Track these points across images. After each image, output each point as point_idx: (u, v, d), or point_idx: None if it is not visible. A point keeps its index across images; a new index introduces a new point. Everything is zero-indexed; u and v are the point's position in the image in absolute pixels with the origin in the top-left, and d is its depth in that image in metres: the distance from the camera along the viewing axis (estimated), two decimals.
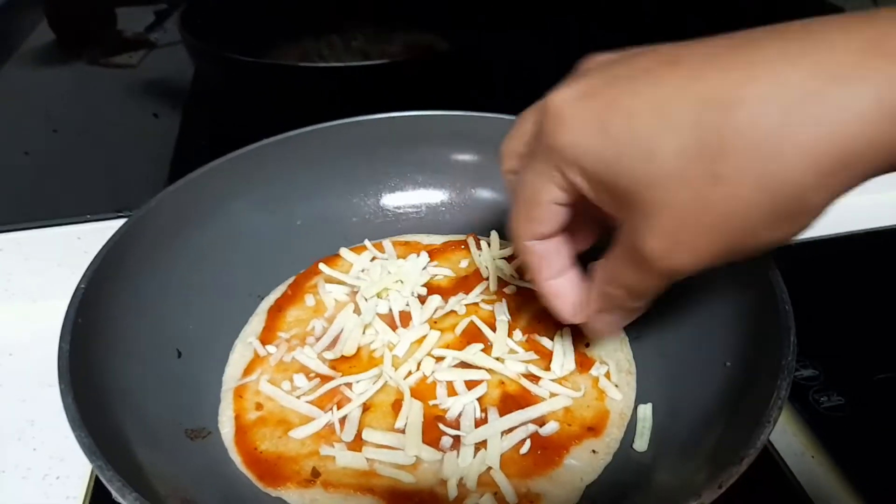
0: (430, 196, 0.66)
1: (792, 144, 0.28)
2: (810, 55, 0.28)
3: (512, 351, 0.51)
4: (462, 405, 0.47)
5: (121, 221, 0.70)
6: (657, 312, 0.53)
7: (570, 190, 0.36)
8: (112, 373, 0.44)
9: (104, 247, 0.48)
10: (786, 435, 0.58)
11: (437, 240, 0.64)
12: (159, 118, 0.76)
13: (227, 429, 0.48)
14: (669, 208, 0.31)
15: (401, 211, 0.66)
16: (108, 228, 0.71)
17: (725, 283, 0.49)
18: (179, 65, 0.95)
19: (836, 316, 0.68)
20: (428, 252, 0.61)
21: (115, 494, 0.34)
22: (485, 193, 0.65)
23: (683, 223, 0.32)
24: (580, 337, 0.53)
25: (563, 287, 0.43)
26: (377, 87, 0.74)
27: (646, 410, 0.48)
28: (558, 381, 0.49)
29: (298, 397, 0.48)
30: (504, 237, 0.62)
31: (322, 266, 0.58)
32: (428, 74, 0.77)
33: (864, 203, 0.84)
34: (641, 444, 0.46)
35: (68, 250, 0.73)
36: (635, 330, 0.54)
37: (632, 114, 0.32)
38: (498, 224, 0.63)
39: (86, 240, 0.73)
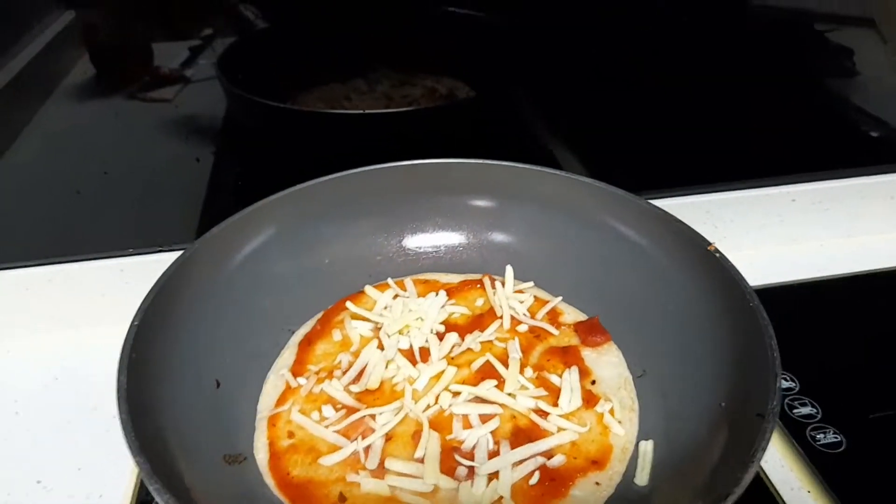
0: (448, 238, 0.70)
1: None
2: None
3: (523, 387, 0.55)
4: (476, 437, 0.51)
5: (159, 256, 0.75)
6: (661, 354, 0.57)
7: None
8: (161, 402, 0.49)
9: (154, 286, 0.53)
10: (783, 470, 0.61)
11: (454, 278, 0.68)
12: (200, 162, 0.81)
13: (261, 454, 0.52)
14: None
15: (421, 251, 0.70)
16: (146, 262, 0.77)
17: (723, 329, 0.53)
18: (214, 100, 1.01)
19: (836, 356, 0.71)
20: (446, 290, 0.65)
21: None
22: (499, 237, 0.69)
23: None
24: (586, 375, 0.57)
25: None
26: (400, 132, 0.79)
27: (647, 446, 0.51)
28: (565, 416, 0.53)
29: (327, 427, 0.53)
30: (517, 277, 0.66)
31: (349, 304, 0.63)
32: (449, 120, 0.82)
33: (863, 244, 0.88)
34: (642, 478, 0.50)
35: (111, 282, 0.78)
36: (639, 368, 0.58)
37: None
38: (512, 265, 0.67)
39: (127, 272, 0.78)
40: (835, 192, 0.88)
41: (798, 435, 0.62)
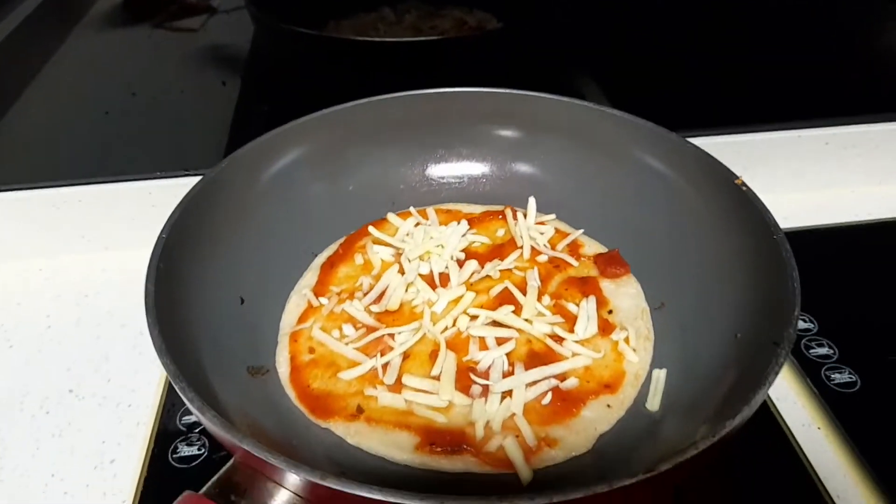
0: (472, 168, 0.70)
1: None
2: None
3: (540, 314, 0.56)
4: (492, 358, 0.52)
5: (186, 180, 0.76)
6: (680, 286, 0.57)
7: None
8: (187, 313, 0.50)
9: (182, 202, 0.54)
10: (795, 407, 0.61)
11: (476, 209, 0.68)
12: (226, 86, 0.81)
13: (283, 368, 0.54)
14: None
15: (444, 181, 0.70)
16: (175, 185, 0.78)
17: (744, 263, 0.52)
18: (239, 30, 1.00)
19: (855, 299, 0.71)
20: (467, 220, 0.66)
21: (195, 413, 0.40)
22: (523, 168, 0.69)
23: None
24: (604, 305, 0.58)
25: None
26: (428, 62, 0.78)
27: (660, 374, 0.52)
28: (581, 342, 0.54)
29: (347, 344, 0.54)
30: (540, 210, 0.66)
31: (371, 228, 0.64)
32: (477, 51, 0.80)
33: (886, 192, 0.87)
34: (653, 403, 0.50)
35: (140, 204, 0.79)
36: (658, 300, 0.59)
37: None
38: (535, 197, 0.67)
39: (156, 195, 0.79)
40: (869, 136, 0.85)
41: (813, 374, 0.63)
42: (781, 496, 0.53)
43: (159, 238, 0.51)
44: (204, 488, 0.39)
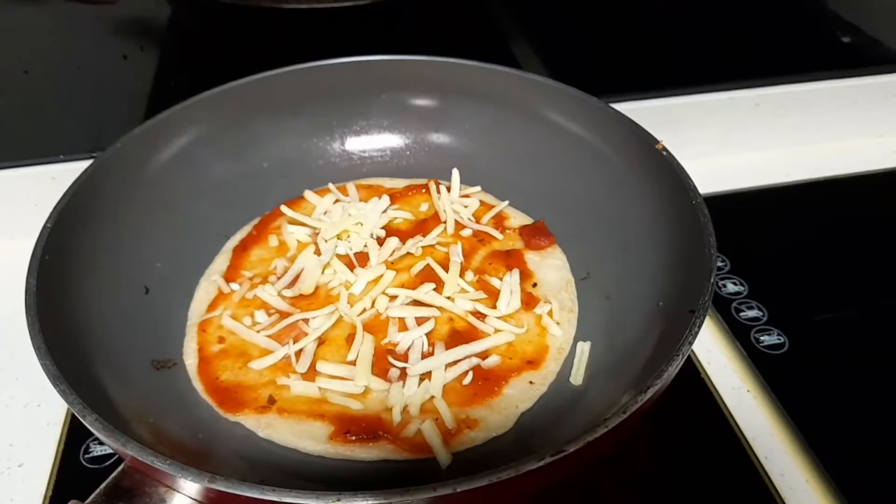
0: (393, 140, 0.67)
1: None
2: None
3: (463, 290, 0.54)
4: (411, 339, 0.50)
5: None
6: (604, 256, 0.56)
7: None
8: (80, 308, 0.47)
9: (70, 188, 0.50)
10: (725, 371, 0.61)
11: (399, 183, 0.66)
12: (128, 59, 0.76)
13: (190, 360, 0.51)
14: None
15: (366, 155, 0.67)
16: (82, 168, 0.73)
17: (666, 229, 0.51)
18: (157, 2, 0.95)
19: (785, 261, 0.71)
20: (389, 195, 0.63)
21: (77, 416, 0.37)
22: (445, 139, 0.67)
23: None
24: (528, 278, 0.56)
25: None
26: (344, 30, 0.74)
27: (584, 347, 0.51)
28: (503, 318, 0.52)
29: (259, 332, 0.51)
30: (464, 182, 0.64)
31: (284, 208, 0.60)
32: (396, 19, 0.77)
33: (814, 152, 0.87)
34: (577, 377, 0.49)
35: (43, 190, 0.74)
36: (584, 270, 0.57)
37: None
38: (459, 169, 0.65)
39: (60, 179, 0.74)
40: (800, 96, 0.85)
41: (742, 337, 0.63)
42: (711, 459, 0.53)
43: (44, 228, 0.47)
44: (90, 497, 0.36)
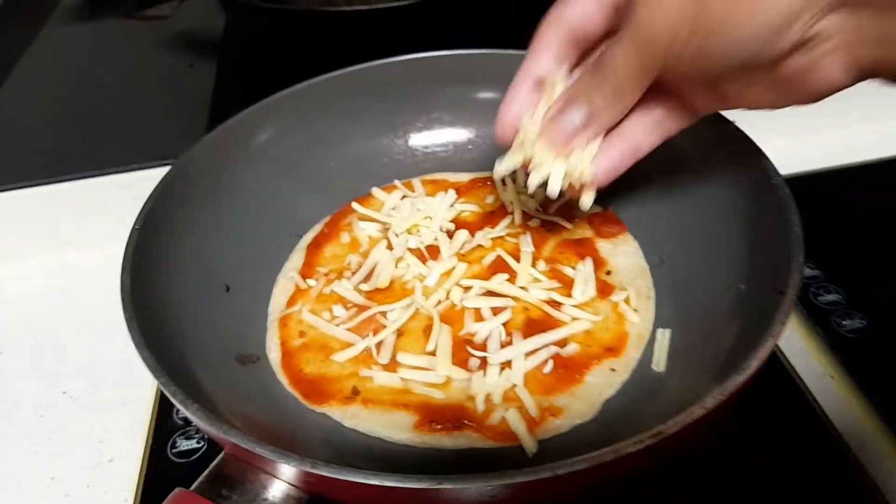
0: (456, 135, 0.68)
1: None
2: None
3: (535, 280, 0.54)
4: (488, 329, 0.50)
5: (163, 170, 0.74)
6: (678, 241, 0.55)
7: None
8: (169, 306, 0.48)
9: (154, 190, 0.52)
10: (806, 357, 0.60)
11: (463, 177, 0.66)
12: (194, 67, 0.78)
13: (273, 354, 0.52)
14: None
15: (429, 150, 0.68)
16: (151, 177, 0.75)
17: (743, 211, 0.50)
18: (211, 13, 0.97)
19: (861, 242, 0.68)
20: (455, 189, 0.63)
21: (178, 407, 0.38)
22: None
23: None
24: (601, 266, 0.56)
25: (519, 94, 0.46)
26: (401, 28, 0.75)
27: (664, 334, 0.50)
28: (579, 306, 0.52)
29: (338, 325, 0.52)
30: None
31: (355, 205, 0.61)
32: (450, 13, 0.77)
33: (882, 130, 0.84)
34: (659, 363, 0.49)
35: (114, 199, 0.77)
36: (657, 257, 0.56)
37: None
38: None
39: (131, 188, 0.77)
40: None
41: (822, 321, 0.61)
42: (799, 448, 0.52)
43: (133, 229, 0.49)
44: (195, 484, 0.37)
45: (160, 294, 0.48)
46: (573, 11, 0.42)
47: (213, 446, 0.57)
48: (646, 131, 0.44)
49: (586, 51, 0.44)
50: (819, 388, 0.57)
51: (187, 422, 0.59)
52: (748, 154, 0.50)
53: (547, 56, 0.43)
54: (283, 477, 0.37)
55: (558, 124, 0.43)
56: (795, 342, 0.61)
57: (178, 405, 0.38)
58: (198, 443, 0.57)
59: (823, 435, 0.53)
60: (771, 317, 0.39)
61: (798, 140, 0.83)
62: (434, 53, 0.65)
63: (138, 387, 0.64)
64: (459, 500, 0.34)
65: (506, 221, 0.59)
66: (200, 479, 0.38)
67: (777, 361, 0.58)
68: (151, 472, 0.55)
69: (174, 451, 0.57)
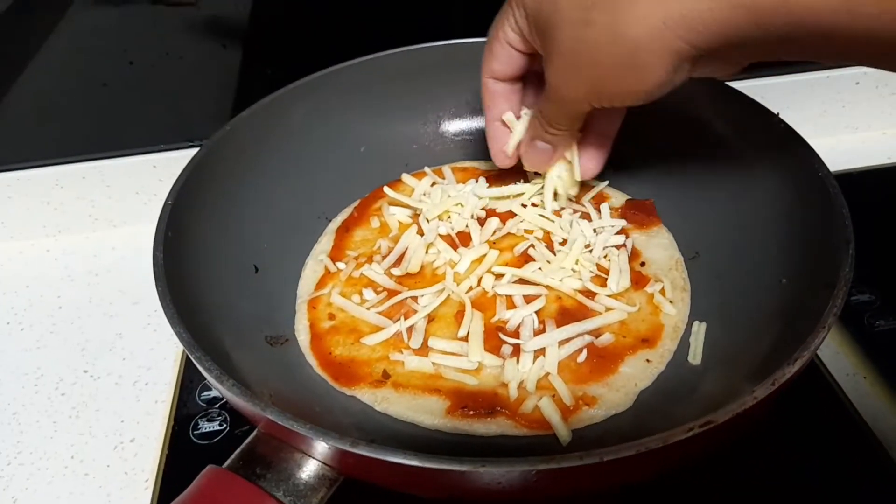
0: None
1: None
2: None
3: (573, 270, 0.53)
4: (521, 317, 0.49)
5: (192, 151, 0.74)
6: (715, 234, 0.54)
7: (519, 32, 0.45)
8: (199, 284, 0.48)
9: (186, 167, 0.51)
10: (839, 357, 0.59)
11: (494, 165, 0.65)
12: (218, 53, 0.78)
13: (303, 336, 0.51)
14: (560, 49, 0.40)
15: (459, 138, 0.67)
16: (180, 157, 0.75)
17: (786, 203, 0.49)
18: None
19: (890, 243, 0.67)
20: (486, 177, 0.62)
21: (212, 383, 0.38)
22: None
23: (567, 62, 0.41)
24: (636, 257, 0.55)
25: (499, 131, 0.54)
26: (432, 13, 0.74)
27: (700, 327, 0.49)
28: (614, 296, 0.51)
29: (368, 309, 0.52)
30: None
31: (386, 189, 0.61)
32: None
33: None
34: (695, 356, 0.48)
35: (145, 178, 0.77)
36: (692, 250, 0.55)
37: None
38: None
39: (160, 168, 0.77)
40: None
41: (855, 321, 0.60)
42: (832, 448, 0.51)
43: (165, 205, 0.48)
44: (227, 462, 0.37)
45: (190, 273, 0.47)
46: (497, 67, 0.50)
47: (236, 428, 0.56)
48: (608, 121, 0.52)
49: (526, 72, 0.51)
50: (852, 387, 0.56)
51: (210, 403, 0.58)
52: (793, 146, 0.49)
53: (498, 102, 0.53)
54: (318, 456, 0.36)
55: (531, 156, 0.53)
56: (828, 342, 0.60)
57: (212, 382, 0.37)
58: (220, 425, 0.57)
59: (856, 434, 0.52)
60: (821, 310, 0.38)
61: (831, 140, 0.83)
62: (466, 40, 0.64)
63: (160, 368, 0.64)
64: (501, 485, 0.33)
65: (537, 211, 0.58)
66: (233, 457, 0.37)
67: (811, 362, 0.57)
68: (173, 454, 0.55)
69: (196, 432, 0.56)
